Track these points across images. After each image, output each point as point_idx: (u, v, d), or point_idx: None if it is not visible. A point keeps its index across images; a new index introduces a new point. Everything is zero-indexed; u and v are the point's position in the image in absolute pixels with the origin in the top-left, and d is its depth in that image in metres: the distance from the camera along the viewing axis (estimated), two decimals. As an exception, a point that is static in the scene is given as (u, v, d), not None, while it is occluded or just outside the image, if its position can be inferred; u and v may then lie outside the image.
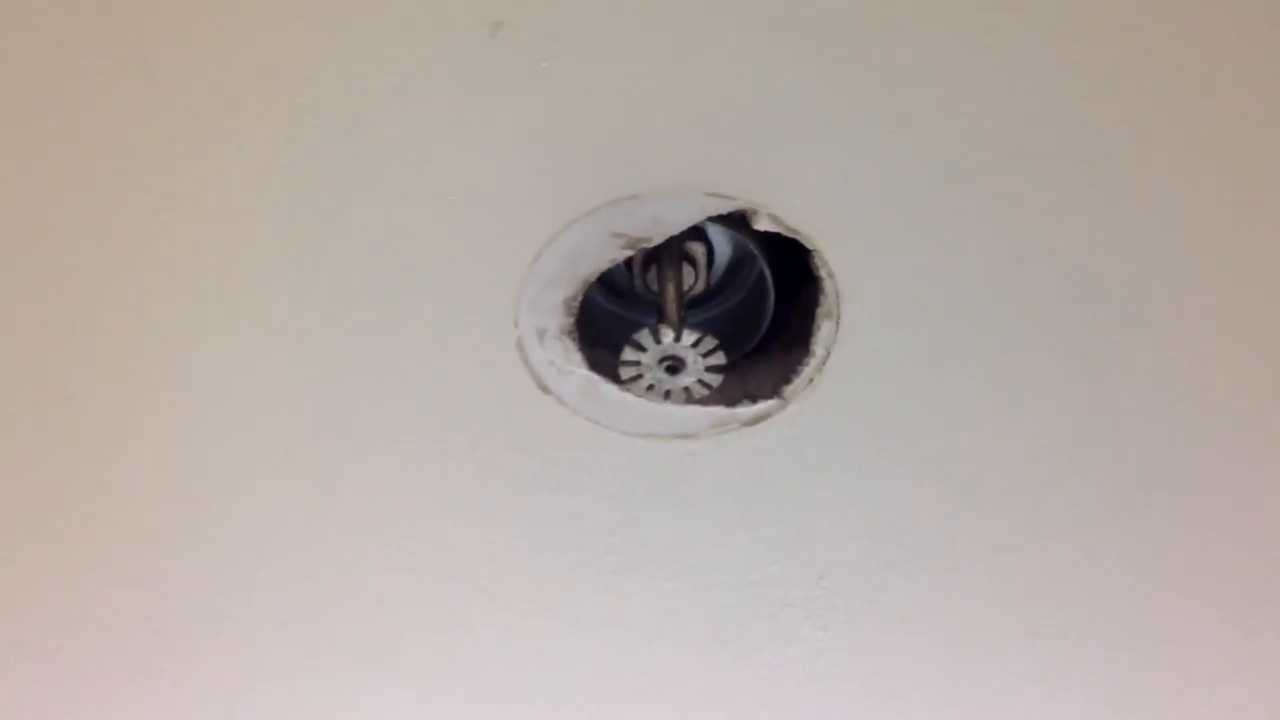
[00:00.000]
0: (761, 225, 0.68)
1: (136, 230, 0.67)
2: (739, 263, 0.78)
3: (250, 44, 0.61)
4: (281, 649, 0.84)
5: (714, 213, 0.68)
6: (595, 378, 0.73)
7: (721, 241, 0.77)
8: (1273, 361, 0.73)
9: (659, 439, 0.76)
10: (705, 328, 0.73)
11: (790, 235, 0.68)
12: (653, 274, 0.73)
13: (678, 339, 0.69)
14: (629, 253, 0.69)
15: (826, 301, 0.71)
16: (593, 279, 0.70)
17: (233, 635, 0.84)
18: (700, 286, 0.75)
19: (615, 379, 0.72)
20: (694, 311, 0.78)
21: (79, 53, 0.62)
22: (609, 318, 0.78)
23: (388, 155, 0.65)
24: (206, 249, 0.68)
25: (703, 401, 0.73)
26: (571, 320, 0.71)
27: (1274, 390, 0.74)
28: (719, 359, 0.70)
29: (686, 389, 0.71)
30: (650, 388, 0.71)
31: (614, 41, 0.62)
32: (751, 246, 0.73)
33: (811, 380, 0.74)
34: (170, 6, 0.61)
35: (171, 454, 0.75)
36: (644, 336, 0.69)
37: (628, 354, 0.69)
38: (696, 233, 0.74)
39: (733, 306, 0.79)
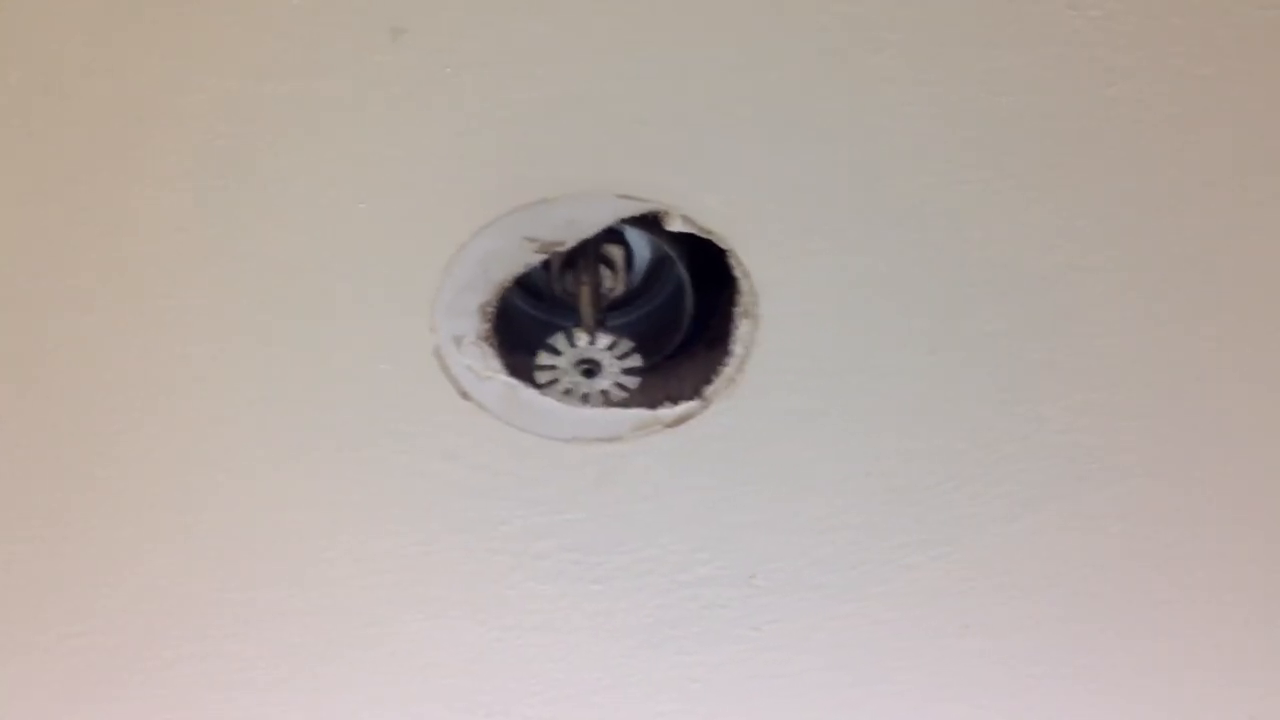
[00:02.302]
0: (675, 226, 0.68)
1: (52, 247, 0.66)
2: (659, 265, 0.78)
3: (152, 55, 0.61)
4: (211, 664, 0.83)
5: (627, 215, 0.67)
6: (515, 383, 0.73)
7: (641, 244, 0.77)
8: (1190, 353, 0.73)
9: (582, 443, 0.76)
10: (625, 330, 0.73)
11: (704, 236, 0.68)
12: (570, 277, 0.73)
13: (592, 342, 0.68)
14: (543, 257, 0.69)
15: (744, 301, 0.71)
16: (507, 284, 0.70)
17: (159, 655, 0.83)
18: (620, 289, 0.75)
19: (535, 384, 0.72)
20: (615, 314, 0.78)
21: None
22: (529, 321, 0.77)
23: (294, 164, 0.64)
24: (118, 266, 0.67)
25: (624, 404, 0.73)
26: (488, 326, 0.71)
27: (1190, 380, 0.75)
28: (635, 361, 0.70)
29: (604, 392, 0.71)
30: (568, 391, 0.71)
31: (519, 45, 0.61)
32: (668, 248, 0.72)
33: (732, 380, 0.74)
34: (69, 25, 0.60)
35: (86, 469, 0.74)
36: (559, 340, 0.68)
37: (543, 358, 0.69)
38: (614, 235, 0.74)
39: (654, 309, 0.79)
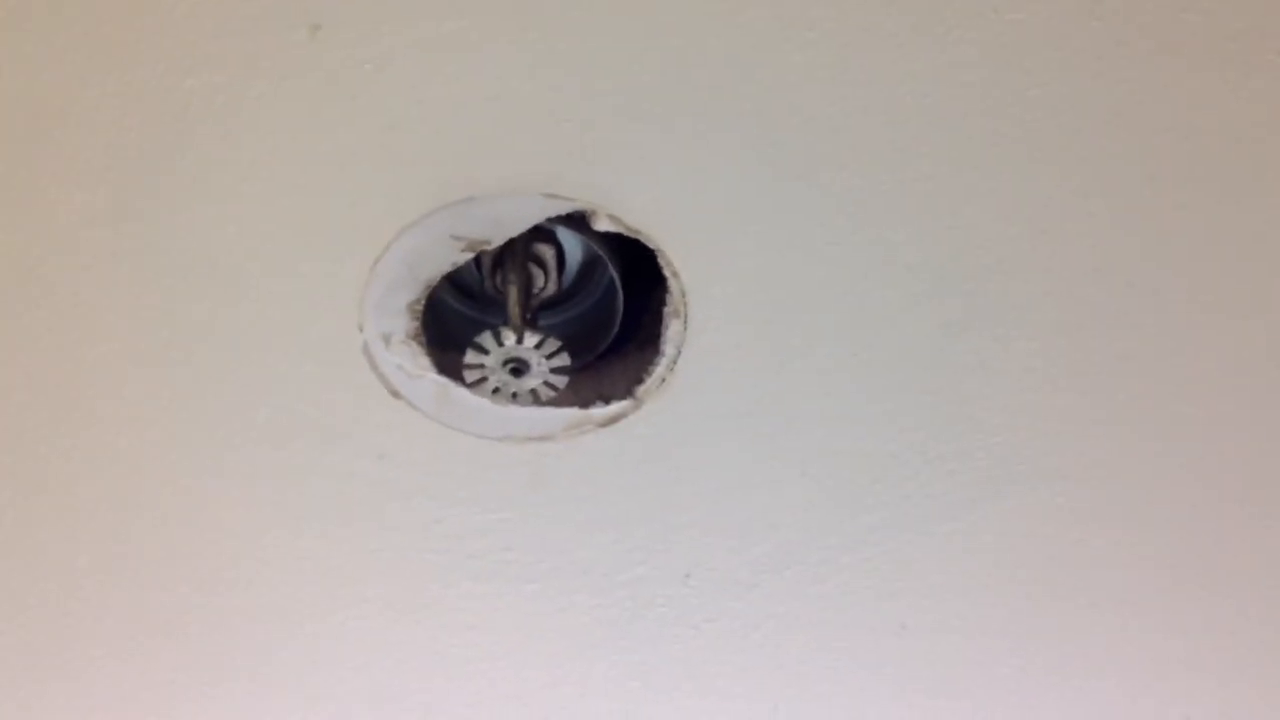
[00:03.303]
0: (601, 226, 0.68)
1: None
2: (591, 265, 0.78)
3: (66, 47, 0.60)
4: (136, 665, 0.83)
5: (553, 214, 0.67)
6: (445, 381, 0.73)
7: (573, 244, 0.77)
8: (1121, 351, 0.74)
9: (515, 442, 0.76)
10: (557, 330, 0.73)
11: (632, 235, 0.68)
12: (501, 276, 0.73)
13: (520, 341, 0.68)
14: (470, 255, 0.69)
15: (673, 301, 0.71)
16: (435, 282, 0.69)
17: (92, 660, 0.82)
18: (551, 289, 0.75)
19: (464, 382, 0.72)
20: (547, 314, 0.78)
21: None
22: (461, 320, 0.77)
23: (215, 160, 0.64)
24: (37, 260, 0.67)
25: (555, 403, 0.73)
26: (417, 324, 0.71)
27: (1123, 381, 0.75)
28: (564, 361, 0.70)
29: (533, 391, 0.71)
30: (496, 390, 0.71)
31: (439, 41, 0.61)
32: (596, 248, 0.73)
33: (664, 380, 0.74)
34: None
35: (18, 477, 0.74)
36: (486, 339, 0.68)
37: (470, 357, 0.69)
38: (546, 235, 0.74)
39: (586, 309, 0.79)
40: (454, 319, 0.77)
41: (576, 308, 0.79)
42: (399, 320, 0.70)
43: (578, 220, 0.69)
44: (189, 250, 0.67)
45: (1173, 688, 0.91)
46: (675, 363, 0.73)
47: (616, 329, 0.76)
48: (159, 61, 0.60)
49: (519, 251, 0.71)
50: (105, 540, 0.77)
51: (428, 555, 0.80)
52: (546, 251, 0.73)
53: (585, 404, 0.75)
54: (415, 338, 0.71)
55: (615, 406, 0.75)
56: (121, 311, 0.68)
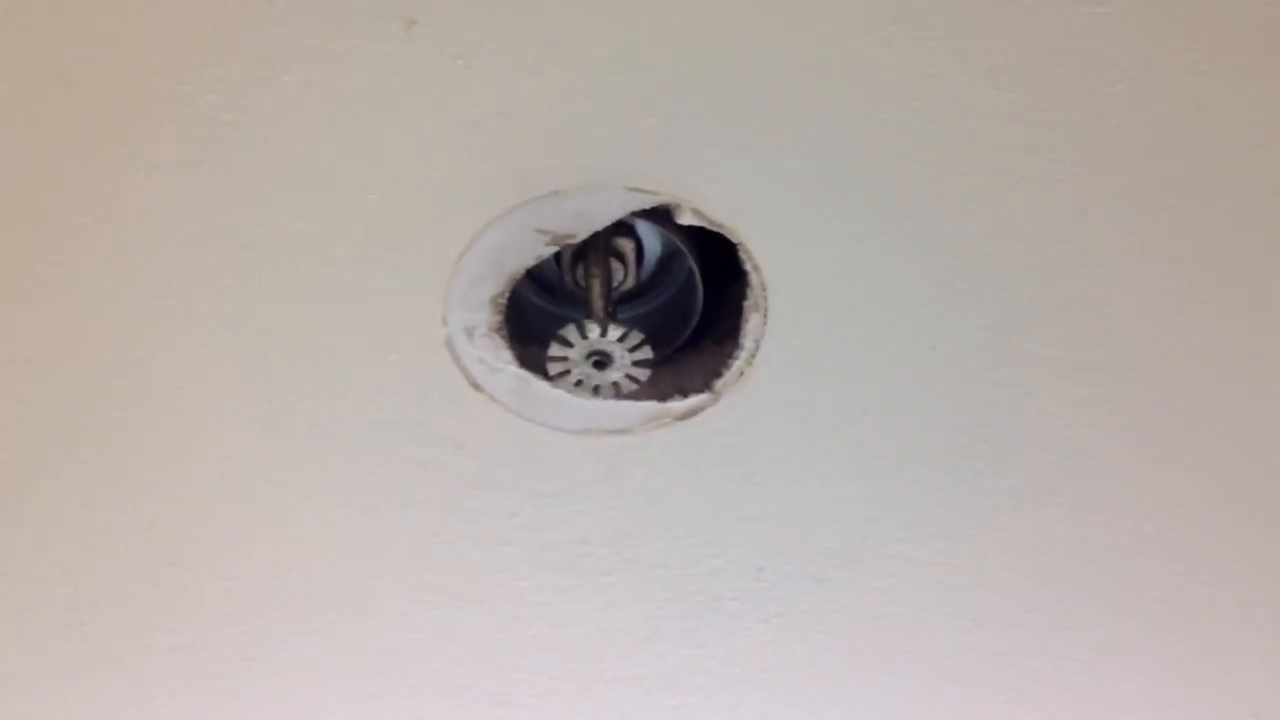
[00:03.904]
0: (685, 219, 0.68)
1: (54, 237, 0.67)
2: (670, 258, 0.78)
3: (163, 41, 0.61)
4: (217, 651, 0.84)
5: (637, 208, 0.68)
6: (526, 374, 0.73)
7: (652, 237, 0.77)
8: (1194, 346, 0.74)
9: (593, 435, 0.76)
10: (636, 323, 0.73)
11: (715, 229, 0.69)
12: (581, 270, 0.73)
13: (604, 334, 0.69)
14: (554, 249, 0.69)
15: (753, 294, 0.71)
16: (519, 276, 0.70)
17: (166, 643, 0.83)
18: (630, 282, 0.75)
19: (546, 375, 0.72)
20: (625, 307, 0.78)
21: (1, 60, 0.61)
22: (540, 314, 0.78)
23: (306, 154, 0.65)
24: (127, 253, 0.68)
25: (633, 396, 0.73)
26: (500, 317, 0.71)
27: (1195, 376, 0.75)
28: (646, 353, 0.70)
29: (615, 384, 0.71)
30: (579, 383, 0.71)
31: (530, 37, 0.62)
32: (679, 242, 0.73)
33: (742, 373, 0.74)
34: (82, 10, 0.60)
35: (91, 457, 0.75)
36: (570, 332, 0.69)
37: (554, 350, 0.69)
38: (625, 229, 0.74)
39: (665, 302, 0.79)
40: (532, 313, 0.78)
41: (653, 301, 0.79)
42: (482, 313, 0.71)
43: (656, 214, 0.69)
44: (277, 241, 0.68)
45: (1243, 687, 0.91)
46: (754, 356, 0.73)
47: (697, 322, 0.77)
48: (255, 55, 0.61)
49: (601, 245, 0.72)
50: (186, 526, 0.78)
51: (503, 547, 0.81)
52: (626, 245, 0.74)
53: (663, 397, 0.75)
54: (498, 331, 0.71)
55: (693, 400, 0.75)
56: (208, 301, 0.69)
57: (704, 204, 0.68)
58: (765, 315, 0.72)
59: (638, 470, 0.78)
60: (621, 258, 0.74)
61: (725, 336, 0.75)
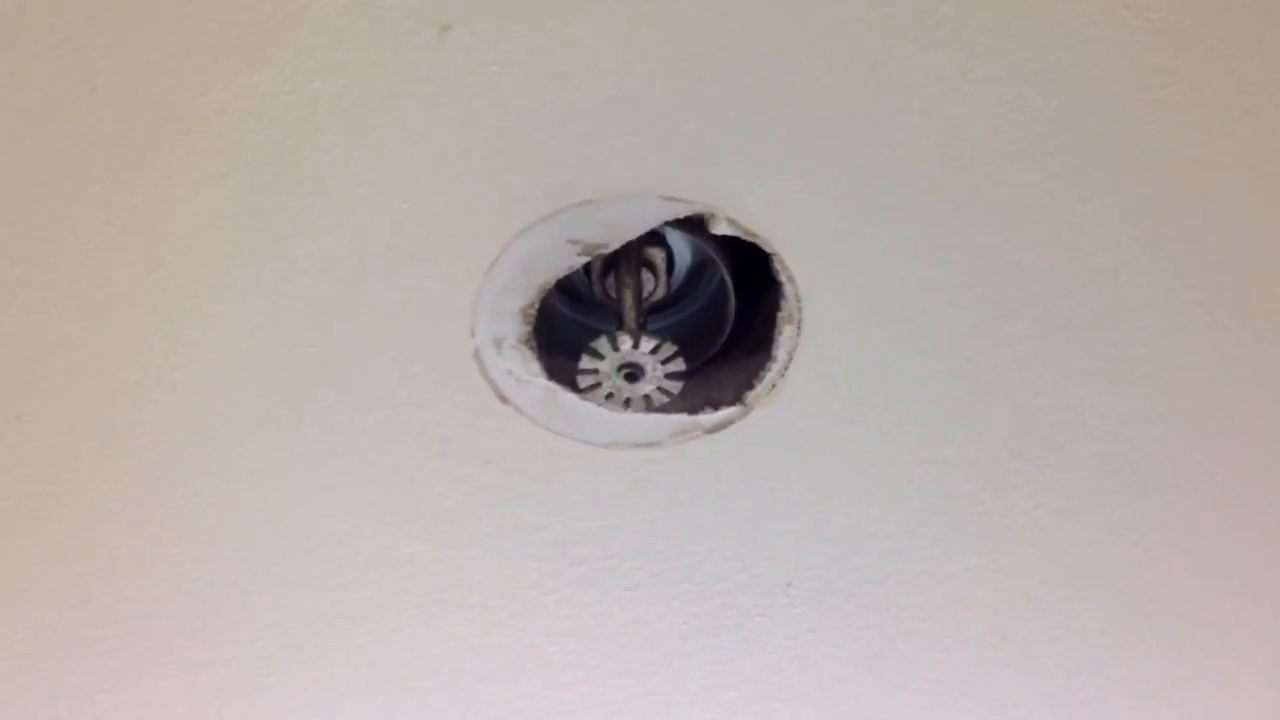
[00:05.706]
0: (719, 229, 0.67)
1: (81, 248, 0.66)
2: (701, 268, 0.77)
3: (193, 50, 0.60)
4: (242, 666, 0.83)
5: (670, 217, 0.67)
6: (555, 387, 0.72)
7: (682, 247, 0.76)
8: (1239, 359, 0.72)
9: (621, 448, 0.75)
10: (666, 334, 0.72)
11: (749, 239, 0.67)
12: (611, 280, 0.72)
13: (636, 346, 0.67)
14: (586, 259, 0.68)
15: (787, 306, 0.70)
16: (549, 286, 0.69)
17: (190, 653, 0.82)
18: (661, 292, 0.74)
19: (574, 388, 0.71)
20: (655, 318, 0.77)
21: (30, 70, 0.60)
22: (569, 325, 0.77)
23: (335, 162, 0.64)
24: (155, 263, 0.67)
25: (664, 409, 0.72)
26: (529, 329, 0.70)
27: (1240, 390, 0.73)
28: (678, 365, 0.69)
29: (646, 397, 0.70)
30: (610, 396, 0.70)
31: (564, 45, 0.61)
32: (711, 251, 0.72)
33: (774, 386, 0.73)
34: (110, 20, 0.59)
35: (119, 471, 0.74)
36: (601, 344, 0.68)
37: (585, 362, 0.68)
38: (656, 238, 0.73)
39: (695, 312, 0.78)
40: (560, 323, 0.77)
41: (683, 312, 0.78)
42: (511, 324, 0.70)
43: (689, 223, 0.68)
44: (305, 252, 0.67)
45: (1280, 703, 0.89)
46: (787, 368, 0.72)
47: (728, 333, 0.75)
48: (286, 64, 0.60)
49: (632, 255, 0.71)
50: (209, 541, 0.77)
51: (529, 562, 0.79)
52: (657, 255, 0.73)
53: (693, 410, 0.74)
54: (526, 342, 0.70)
55: (724, 413, 0.74)
56: (236, 313, 0.68)
57: (738, 213, 0.67)
58: (799, 326, 0.70)
59: (665, 483, 0.77)
60: (653, 267, 0.73)
61: (757, 348, 0.73)
